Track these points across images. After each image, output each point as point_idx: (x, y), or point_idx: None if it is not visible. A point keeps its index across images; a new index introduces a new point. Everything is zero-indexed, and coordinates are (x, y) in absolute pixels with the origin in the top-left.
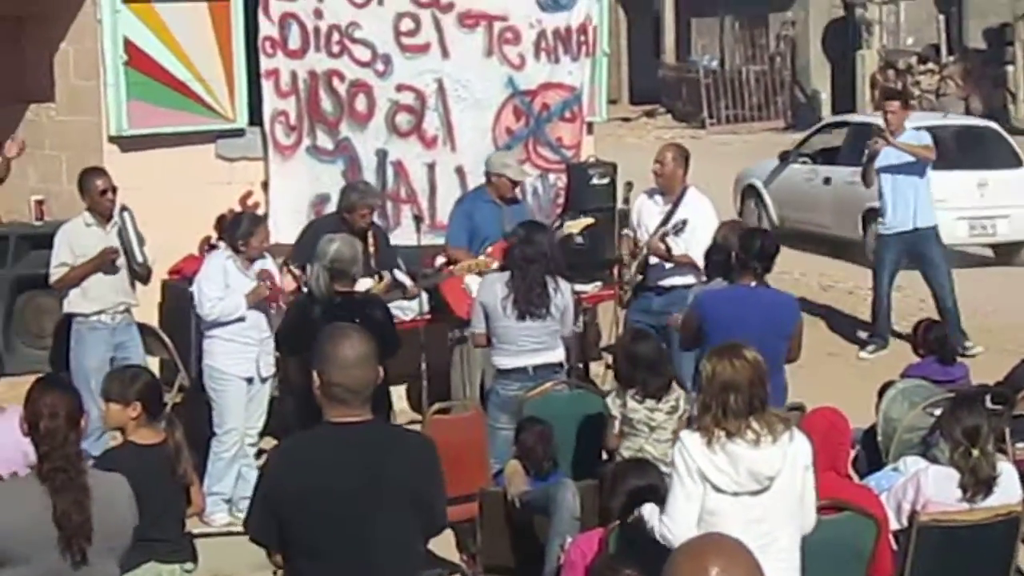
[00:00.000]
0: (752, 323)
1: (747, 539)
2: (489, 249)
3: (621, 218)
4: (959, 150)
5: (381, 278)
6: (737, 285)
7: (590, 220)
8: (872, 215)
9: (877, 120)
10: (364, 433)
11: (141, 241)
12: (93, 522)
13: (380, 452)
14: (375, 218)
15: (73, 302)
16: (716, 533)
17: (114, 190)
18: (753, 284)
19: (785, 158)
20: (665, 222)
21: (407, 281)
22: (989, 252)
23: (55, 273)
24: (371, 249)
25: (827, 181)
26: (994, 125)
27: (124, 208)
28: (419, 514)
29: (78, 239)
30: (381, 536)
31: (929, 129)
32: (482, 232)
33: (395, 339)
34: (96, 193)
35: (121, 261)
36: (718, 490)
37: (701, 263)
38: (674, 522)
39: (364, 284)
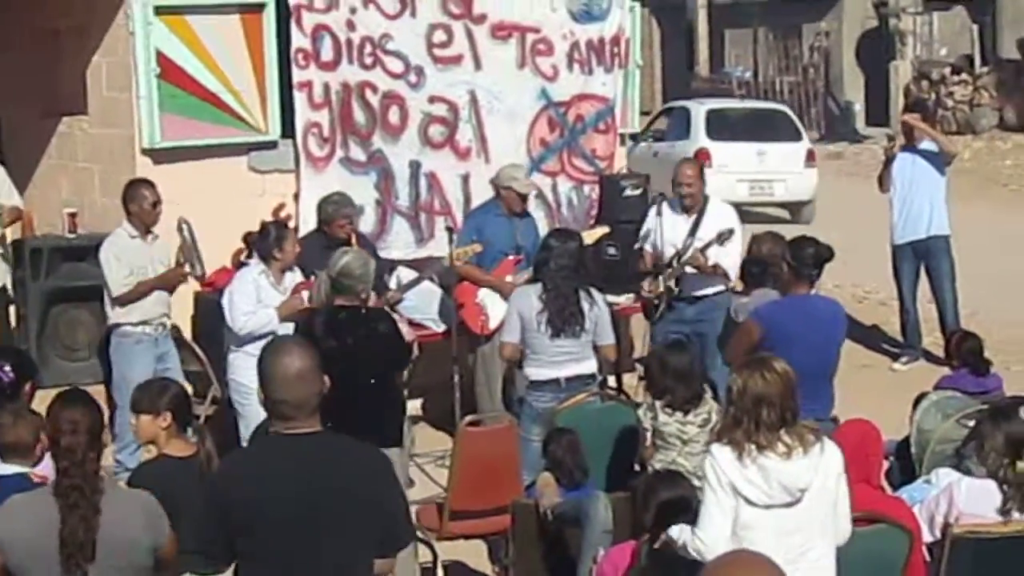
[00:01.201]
0: (812, 333)
1: (781, 552)
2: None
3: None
4: (748, 127)
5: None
6: (793, 295)
7: (605, 229)
8: None
9: (690, 105)
10: (310, 444)
11: (199, 253)
12: (98, 541)
13: (326, 463)
14: (361, 227)
15: (118, 314)
16: (746, 549)
17: (160, 202)
18: (811, 293)
19: (635, 138)
20: (692, 233)
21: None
22: (785, 213)
23: (125, 285)
24: None
25: (655, 154)
26: (784, 108)
27: (184, 220)
28: (372, 525)
29: (127, 252)
30: (327, 547)
31: (725, 111)
32: (493, 245)
33: (404, 351)
34: (148, 204)
35: (163, 271)
36: (750, 503)
37: (732, 272)
38: (707, 535)
39: None
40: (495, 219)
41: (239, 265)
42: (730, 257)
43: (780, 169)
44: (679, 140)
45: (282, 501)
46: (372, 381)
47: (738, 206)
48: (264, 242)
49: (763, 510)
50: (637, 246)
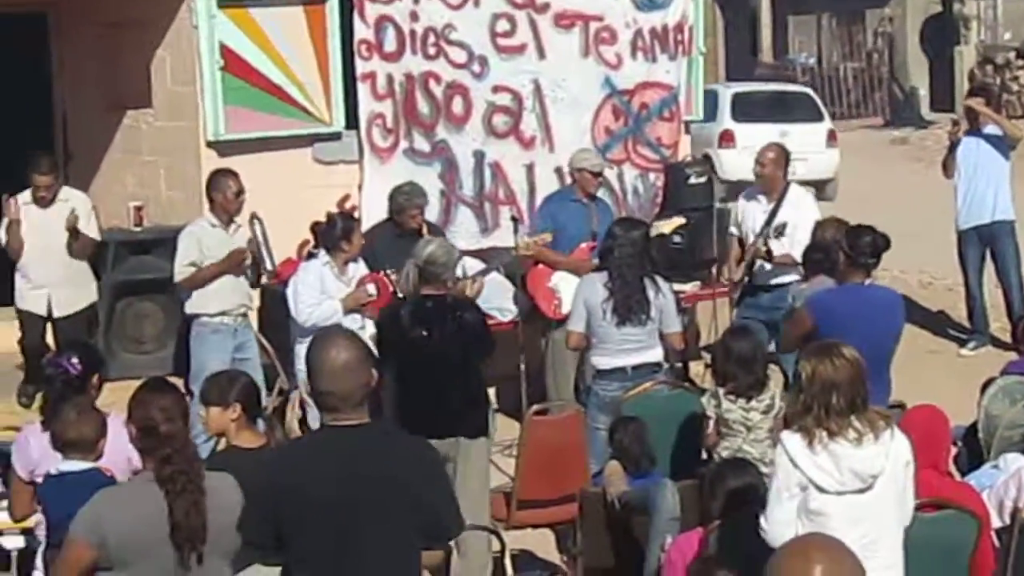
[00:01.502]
0: (865, 322)
1: (851, 538)
2: (547, 237)
3: (719, 217)
4: (772, 108)
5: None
6: (849, 284)
7: (682, 220)
8: None
9: (718, 88)
10: (359, 436)
11: (270, 250)
12: (208, 526)
13: (374, 455)
14: (431, 217)
15: (196, 303)
16: (819, 533)
17: (243, 192)
18: (866, 282)
19: None
20: (769, 222)
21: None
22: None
23: (183, 272)
24: None
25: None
26: (807, 91)
27: (256, 216)
28: (419, 518)
29: (205, 240)
30: (372, 538)
31: (750, 93)
32: (569, 231)
33: (490, 340)
34: (231, 194)
35: (246, 264)
36: (821, 490)
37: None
38: (773, 523)
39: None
40: (570, 205)
41: (307, 256)
42: (800, 246)
43: (802, 149)
44: (707, 122)
45: (327, 492)
46: (460, 369)
47: None
48: (331, 233)
49: (834, 497)
50: (731, 230)
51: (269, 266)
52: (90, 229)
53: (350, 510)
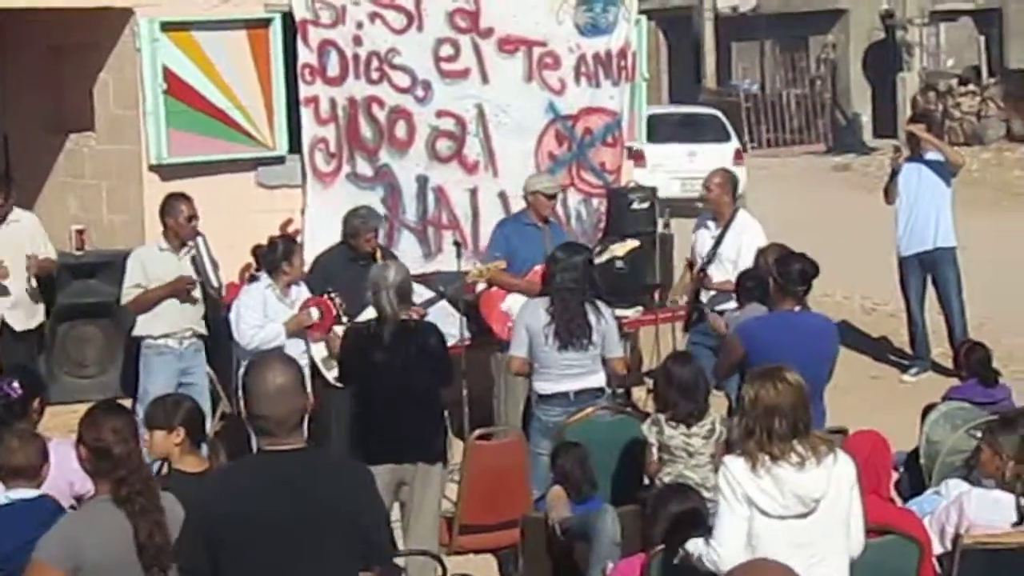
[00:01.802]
0: (796, 349)
1: (795, 562)
2: (501, 264)
3: (661, 242)
4: (681, 130)
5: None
6: (779, 311)
7: (636, 243)
8: None
9: None
10: (294, 460)
11: (215, 266)
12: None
13: (310, 479)
14: (382, 241)
15: (141, 326)
16: (764, 558)
17: (196, 217)
18: (796, 309)
19: None
20: (716, 246)
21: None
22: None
23: (128, 294)
24: None
25: None
26: (716, 112)
27: (198, 233)
28: (356, 542)
29: (152, 263)
30: (310, 563)
31: (661, 116)
32: (522, 254)
33: (450, 366)
34: (183, 218)
35: (196, 291)
36: (764, 514)
37: None
38: (723, 546)
39: (367, 313)
40: (524, 228)
41: (249, 279)
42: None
43: (709, 167)
44: None
45: (263, 517)
46: (423, 395)
47: (671, 201)
48: (272, 256)
49: (777, 521)
50: (686, 258)
51: (215, 283)
52: (47, 249)
53: (287, 535)
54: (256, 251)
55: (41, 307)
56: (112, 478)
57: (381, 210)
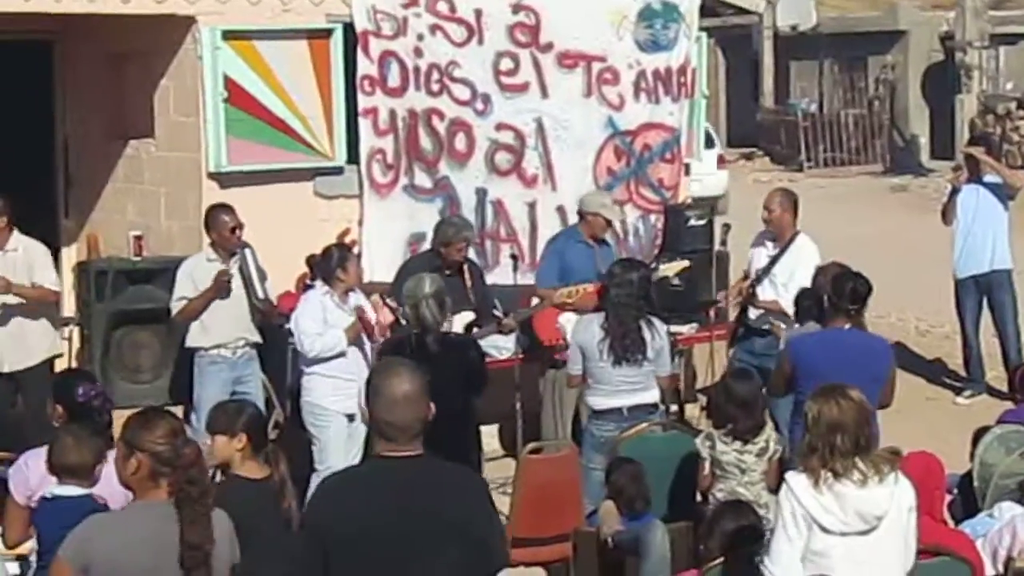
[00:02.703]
0: (844, 367)
1: None
2: (589, 288)
3: (718, 260)
4: None
5: (480, 312)
6: (829, 328)
7: (686, 263)
8: None
9: None
10: (410, 468)
11: (263, 277)
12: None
13: (426, 488)
14: (470, 253)
15: (193, 336)
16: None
17: (241, 227)
18: (847, 327)
19: None
20: (771, 265)
21: (500, 315)
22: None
23: (176, 306)
24: (468, 283)
25: None
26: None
27: (245, 244)
28: (471, 552)
29: (200, 274)
30: (422, 571)
31: None
32: (574, 272)
33: (484, 377)
34: (226, 229)
35: (241, 294)
36: (825, 531)
37: (789, 309)
38: (777, 565)
39: (464, 318)
40: (576, 245)
41: (304, 288)
42: (791, 293)
43: (696, 172)
44: None
45: (378, 523)
46: (459, 408)
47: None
48: (327, 264)
49: (838, 537)
50: (743, 271)
51: (260, 295)
52: (45, 278)
53: (402, 543)
54: (310, 260)
55: (52, 338)
56: (170, 479)
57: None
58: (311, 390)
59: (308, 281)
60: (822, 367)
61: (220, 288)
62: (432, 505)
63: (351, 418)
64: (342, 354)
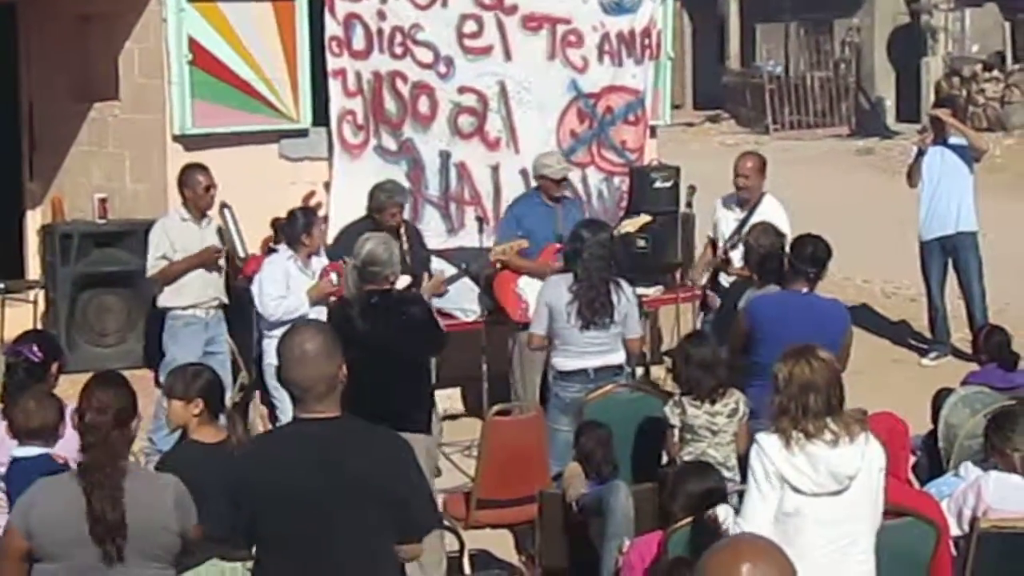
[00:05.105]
0: (800, 329)
1: (827, 539)
2: (523, 243)
3: (683, 222)
4: None
5: (417, 276)
6: (788, 290)
7: (647, 218)
8: None
9: None
10: (324, 430)
11: (242, 237)
12: (129, 524)
13: (340, 449)
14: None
15: (167, 296)
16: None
17: (215, 187)
18: (805, 290)
19: None
20: (739, 230)
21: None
22: None
23: (155, 266)
24: (404, 247)
25: None
26: None
27: (225, 204)
28: (391, 513)
29: (176, 233)
30: (341, 534)
31: None
32: (535, 235)
33: (439, 336)
34: (200, 188)
35: (222, 260)
36: (798, 491)
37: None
38: (749, 525)
39: (403, 281)
40: (536, 208)
41: (268, 251)
42: None
43: None
44: None
45: (296, 485)
46: (405, 366)
47: None
48: (292, 228)
49: (810, 498)
50: (708, 236)
51: (242, 254)
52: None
53: (320, 505)
54: (275, 223)
55: None
56: (81, 445)
57: (405, 184)
58: (273, 353)
59: (272, 245)
60: (779, 329)
61: (207, 262)
62: (348, 467)
63: None
64: (303, 317)
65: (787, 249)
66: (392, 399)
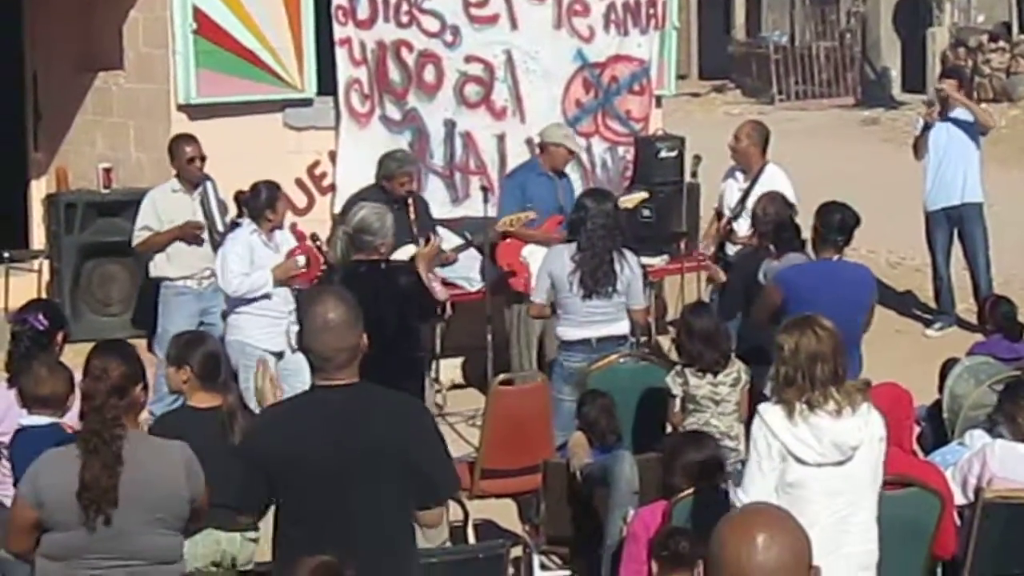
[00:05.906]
0: (834, 297)
1: (830, 510)
2: (530, 215)
3: (688, 192)
4: None
5: (427, 242)
6: (820, 259)
7: (644, 195)
8: None
9: None
10: (344, 397)
11: (224, 210)
12: (123, 488)
13: (359, 416)
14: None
15: (159, 267)
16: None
17: (203, 158)
18: (836, 258)
19: None
20: (743, 200)
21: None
22: None
23: (138, 236)
24: (411, 217)
25: None
26: None
27: (206, 177)
28: (410, 479)
29: (165, 205)
30: (360, 499)
31: None
32: (537, 204)
33: (429, 303)
34: (184, 159)
35: (204, 234)
36: (801, 462)
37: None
38: (750, 496)
39: (407, 251)
40: (537, 178)
41: (231, 226)
42: None
43: None
44: None
45: (313, 453)
46: (395, 335)
47: None
48: (255, 201)
49: (813, 469)
50: (715, 206)
51: (221, 227)
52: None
53: (338, 472)
54: (239, 197)
55: None
56: (81, 412)
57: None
58: (239, 328)
59: (235, 219)
60: (811, 297)
61: (186, 236)
62: (366, 433)
63: (280, 355)
64: (267, 295)
65: (795, 219)
66: (379, 368)
